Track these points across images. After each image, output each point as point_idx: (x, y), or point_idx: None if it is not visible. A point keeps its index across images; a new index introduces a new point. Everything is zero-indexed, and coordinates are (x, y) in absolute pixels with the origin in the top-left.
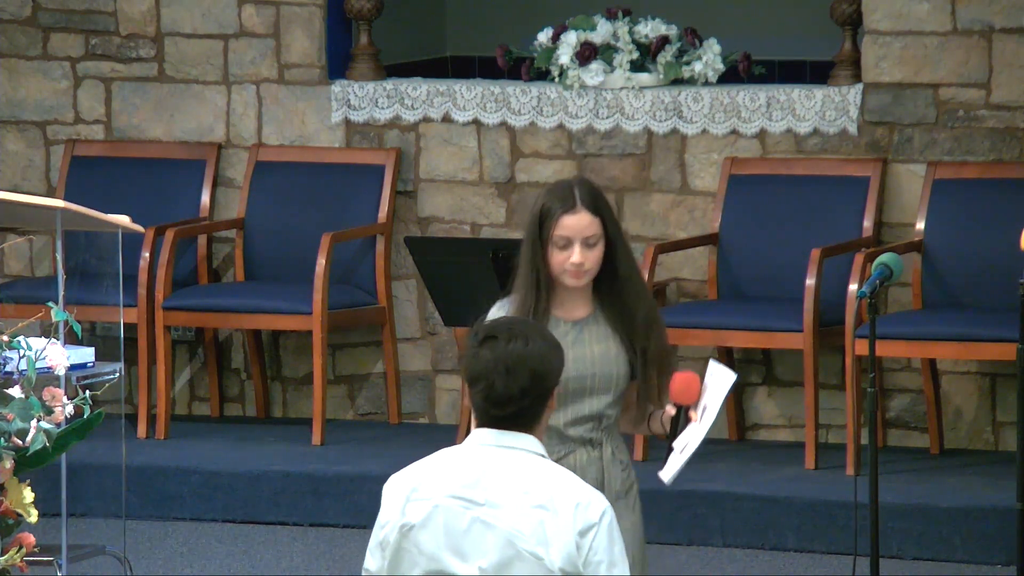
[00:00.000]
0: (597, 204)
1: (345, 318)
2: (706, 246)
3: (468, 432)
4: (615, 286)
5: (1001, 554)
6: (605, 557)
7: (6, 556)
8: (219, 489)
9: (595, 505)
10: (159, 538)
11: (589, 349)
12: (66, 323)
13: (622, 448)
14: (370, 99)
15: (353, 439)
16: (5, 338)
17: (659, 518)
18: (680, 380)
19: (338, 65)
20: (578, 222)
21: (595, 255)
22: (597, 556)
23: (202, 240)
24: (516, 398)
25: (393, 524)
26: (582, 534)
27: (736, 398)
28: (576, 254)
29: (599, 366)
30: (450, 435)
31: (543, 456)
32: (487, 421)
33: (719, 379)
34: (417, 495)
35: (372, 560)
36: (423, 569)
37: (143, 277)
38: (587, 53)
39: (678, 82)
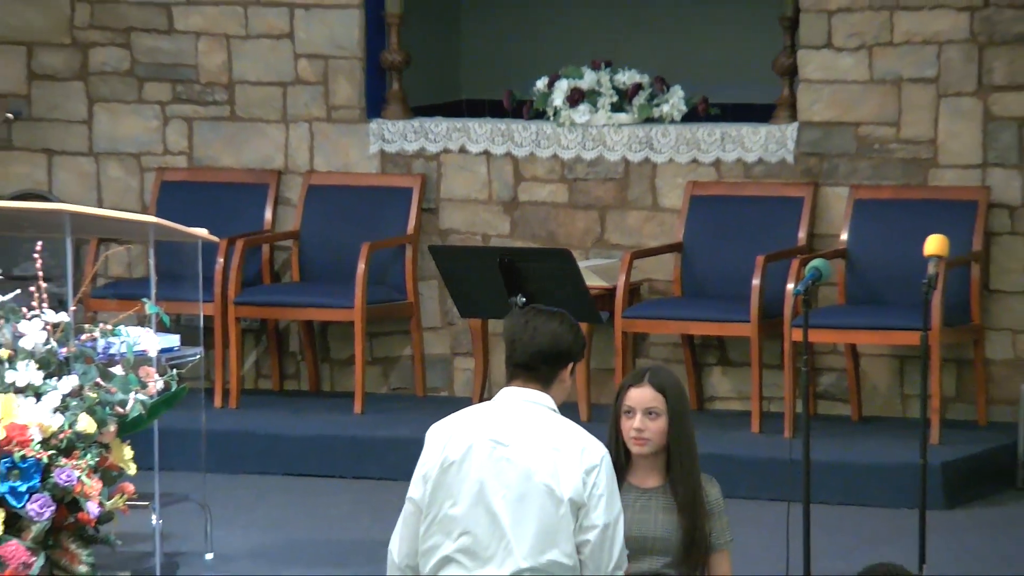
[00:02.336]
0: (663, 384)
1: (380, 311)
2: (672, 253)
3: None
4: (679, 464)
5: (908, 500)
6: (605, 491)
7: (111, 501)
8: (279, 448)
9: (596, 450)
10: (231, 488)
11: (654, 516)
12: (157, 315)
13: None
14: (400, 134)
15: (386, 409)
16: (109, 327)
17: None
18: None
19: (375, 107)
20: (641, 395)
21: (656, 426)
22: (599, 490)
23: (265, 248)
24: (533, 354)
25: (435, 460)
26: (587, 472)
27: (696, 376)
28: (636, 421)
29: (660, 531)
30: (465, 405)
31: (555, 411)
32: (512, 376)
33: None
34: (456, 438)
35: (416, 488)
36: (459, 498)
37: (218, 278)
38: (576, 97)
39: (649, 120)
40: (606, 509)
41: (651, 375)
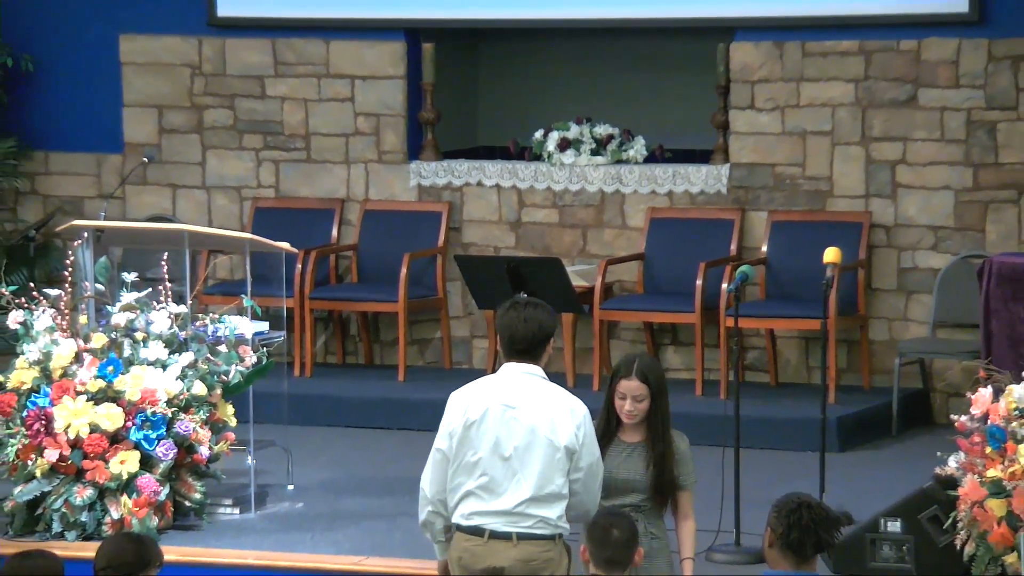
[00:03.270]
0: (647, 374)
1: (417, 305)
2: (637, 261)
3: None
4: (656, 429)
5: (812, 445)
6: (588, 440)
7: (218, 446)
8: (342, 406)
9: (580, 409)
10: (306, 436)
11: (635, 464)
12: (251, 308)
13: (655, 524)
14: (433, 172)
15: (422, 378)
16: (216, 316)
17: None
18: None
19: (414, 152)
20: (630, 385)
21: (642, 406)
22: (588, 439)
23: (332, 257)
24: (529, 339)
25: (459, 420)
26: (577, 427)
27: (655, 353)
28: (628, 405)
29: (639, 475)
30: (481, 375)
31: (546, 378)
32: (511, 356)
33: None
34: (474, 402)
35: (443, 441)
36: (479, 448)
37: (296, 280)
38: (564, 144)
39: (619, 162)
40: (589, 452)
41: (638, 368)
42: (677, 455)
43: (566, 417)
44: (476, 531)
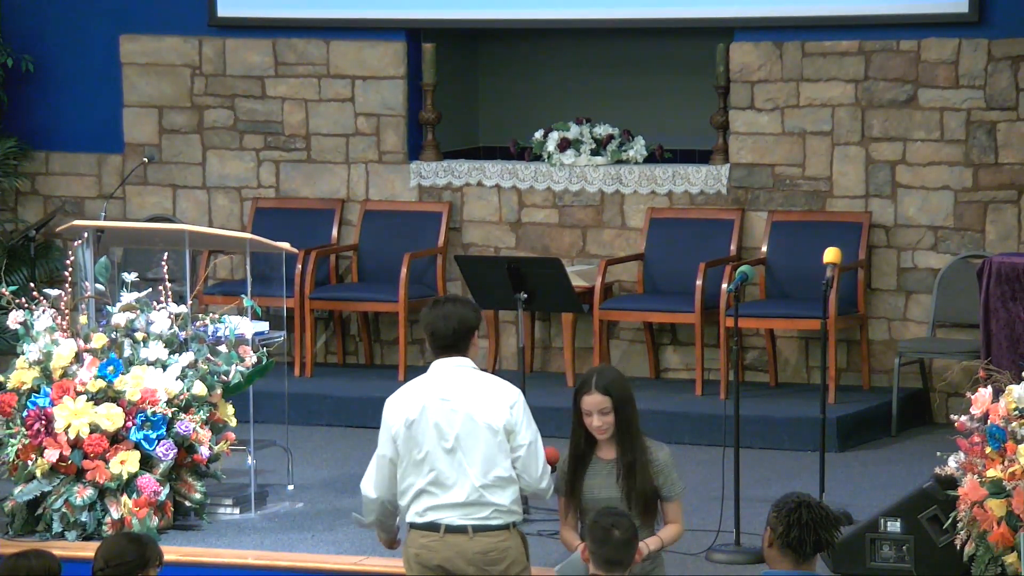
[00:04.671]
0: (607, 386)
1: (418, 305)
2: (636, 261)
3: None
4: (624, 439)
5: (811, 444)
6: (523, 418)
7: (218, 446)
8: (342, 407)
9: (512, 391)
10: (307, 436)
11: (614, 482)
12: (252, 308)
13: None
14: (433, 172)
15: None
16: (216, 316)
17: None
18: None
19: (414, 152)
20: (592, 400)
21: (609, 419)
22: (524, 418)
23: (332, 258)
24: (451, 335)
25: (399, 422)
26: (511, 407)
27: (654, 352)
28: (595, 420)
29: (618, 492)
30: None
31: (476, 368)
32: (438, 353)
33: None
34: (411, 402)
35: (387, 447)
36: (422, 445)
37: (297, 280)
38: (564, 145)
39: (619, 162)
40: (526, 430)
41: (597, 381)
42: (656, 465)
43: (499, 399)
44: (431, 527)
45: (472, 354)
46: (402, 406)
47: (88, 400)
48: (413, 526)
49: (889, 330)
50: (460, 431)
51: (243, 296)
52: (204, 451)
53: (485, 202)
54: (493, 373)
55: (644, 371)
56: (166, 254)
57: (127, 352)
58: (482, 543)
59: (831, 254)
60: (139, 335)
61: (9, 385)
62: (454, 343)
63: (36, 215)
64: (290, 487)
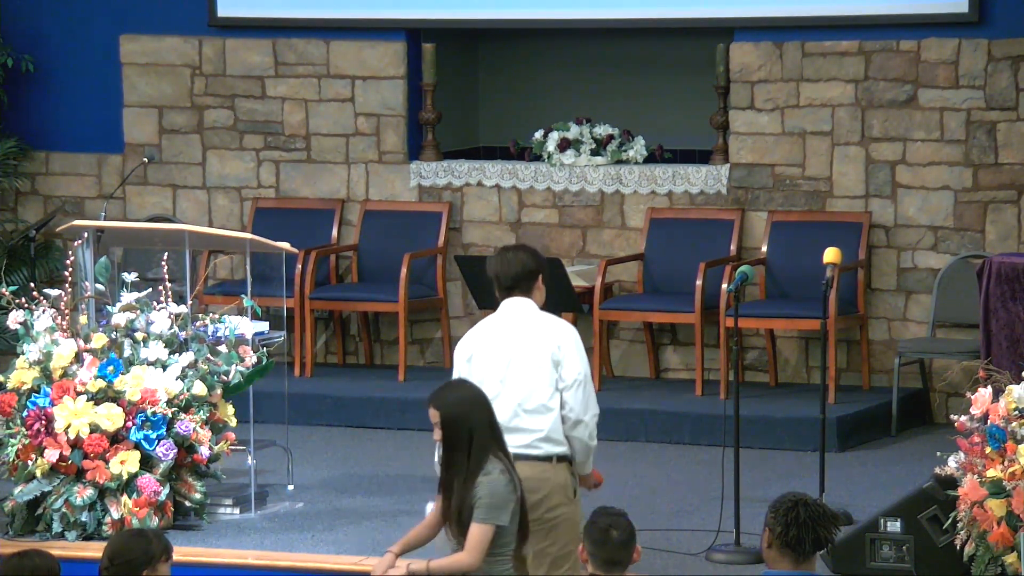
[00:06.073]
0: (438, 403)
1: (418, 304)
2: (636, 261)
3: None
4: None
5: (811, 444)
6: (570, 355)
7: (218, 446)
8: (342, 406)
9: (566, 326)
10: (306, 436)
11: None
12: (252, 308)
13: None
14: (433, 172)
15: (422, 377)
16: (216, 316)
17: (607, 424)
18: None
19: (414, 152)
20: (430, 411)
21: (440, 433)
22: (572, 353)
23: (332, 258)
24: (512, 277)
25: (461, 361)
26: (562, 341)
27: (654, 352)
28: (436, 434)
29: None
30: None
31: (537, 308)
32: (503, 295)
33: None
34: (473, 339)
35: (460, 369)
36: (480, 376)
37: (297, 280)
38: (564, 145)
39: (619, 162)
40: (574, 365)
41: (434, 394)
42: (478, 487)
43: (550, 334)
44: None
45: (537, 296)
46: (465, 345)
47: (88, 400)
48: None
49: (889, 330)
50: (512, 358)
51: (243, 296)
52: (204, 451)
53: (485, 202)
54: None
55: (644, 371)
56: (166, 254)
57: (127, 352)
58: (522, 470)
59: (831, 254)
60: (139, 335)
61: (9, 385)
62: (516, 284)
63: (36, 215)
64: (290, 487)
